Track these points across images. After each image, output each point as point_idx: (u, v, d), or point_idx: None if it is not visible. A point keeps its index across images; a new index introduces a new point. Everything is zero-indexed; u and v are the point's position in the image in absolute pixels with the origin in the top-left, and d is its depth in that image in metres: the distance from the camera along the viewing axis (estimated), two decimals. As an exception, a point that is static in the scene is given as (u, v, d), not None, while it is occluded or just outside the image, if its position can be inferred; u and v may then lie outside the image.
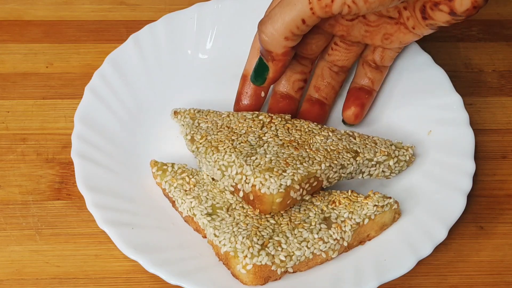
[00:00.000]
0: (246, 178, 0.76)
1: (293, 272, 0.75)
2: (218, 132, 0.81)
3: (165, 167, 0.81)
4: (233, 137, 0.80)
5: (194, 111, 0.84)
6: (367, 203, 0.77)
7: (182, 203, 0.79)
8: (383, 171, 0.81)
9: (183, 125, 0.83)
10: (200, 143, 0.80)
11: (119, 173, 0.81)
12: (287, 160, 0.77)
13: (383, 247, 0.77)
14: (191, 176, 0.80)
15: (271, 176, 0.75)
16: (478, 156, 0.86)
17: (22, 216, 0.81)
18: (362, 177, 0.81)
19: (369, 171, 0.81)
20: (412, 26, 0.80)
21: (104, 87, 0.86)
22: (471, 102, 0.92)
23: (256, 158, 0.77)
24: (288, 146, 0.79)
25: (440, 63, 0.92)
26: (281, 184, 0.75)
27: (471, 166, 0.81)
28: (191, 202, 0.78)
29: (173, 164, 0.81)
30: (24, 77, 0.92)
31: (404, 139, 0.85)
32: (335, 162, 0.78)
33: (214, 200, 0.78)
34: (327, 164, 0.77)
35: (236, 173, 0.76)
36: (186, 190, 0.79)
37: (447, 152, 0.83)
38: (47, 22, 0.97)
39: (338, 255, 0.76)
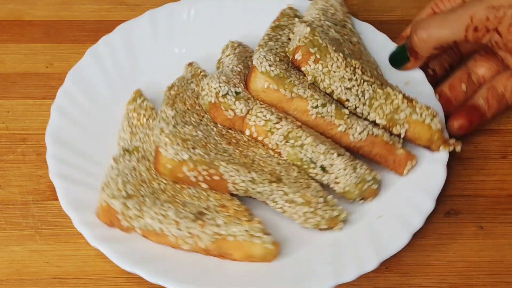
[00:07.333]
0: (161, 134, 0.78)
1: (143, 236, 0.76)
2: (186, 101, 0.83)
3: (139, 98, 0.85)
4: (192, 109, 0.82)
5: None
6: (242, 223, 0.76)
7: (124, 131, 0.83)
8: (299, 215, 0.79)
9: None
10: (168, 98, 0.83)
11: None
12: (208, 144, 0.78)
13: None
14: (147, 116, 0.84)
15: (178, 145, 0.77)
16: (478, 156, 0.87)
17: (22, 216, 0.81)
18: (275, 207, 0.79)
19: (284, 205, 0.78)
20: None
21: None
22: (471, 102, 0.92)
23: (187, 128, 0.79)
24: (225, 138, 0.81)
25: (440, 63, 0.93)
26: (177, 154, 0.76)
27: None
28: (127, 137, 0.83)
29: (145, 99, 0.85)
30: (24, 77, 0.92)
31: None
32: (248, 173, 0.77)
33: (143, 145, 0.82)
34: (235, 168, 0.77)
35: (161, 131, 0.78)
36: (132, 124, 0.83)
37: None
38: (47, 22, 0.97)
39: (190, 249, 0.76)
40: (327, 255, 0.77)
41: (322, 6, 0.91)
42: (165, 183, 0.78)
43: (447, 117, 0.86)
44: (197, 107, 0.83)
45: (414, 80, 0.88)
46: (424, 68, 0.89)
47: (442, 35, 0.83)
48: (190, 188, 0.78)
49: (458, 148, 0.83)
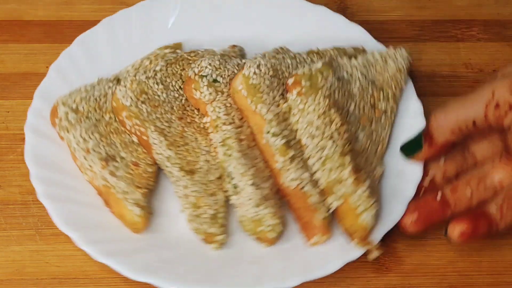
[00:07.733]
0: (131, 76, 0.83)
1: (68, 146, 0.80)
2: (186, 68, 0.85)
3: (171, 49, 0.87)
4: (182, 77, 0.84)
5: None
6: None
7: (133, 65, 0.86)
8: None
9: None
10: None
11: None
12: (159, 107, 0.82)
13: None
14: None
15: (132, 93, 0.81)
16: (478, 156, 0.86)
17: (22, 216, 0.81)
18: (176, 193, 0.80)
19: (181, 196, 0.80)
20: None
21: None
22: (471, 102, 0.91)
23: (157, 86, 0.82)
24: (183, 113, 0.82)
25: (440, 63, 0.92)
26: (123, 97, 0.81)
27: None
28: (131, 71, 0.86)
29: (174, 53, 0.87)
30: (24, 77, 0.92)
31: None
32: (167, 149, 0.80)
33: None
34: (160, 139, 0.80)
35: (134, 74, 0.83)
36: (144, 63, 0.86)
37: None
38: (47, 22, 0.97)
39: (89, 182, 0.80)
40: (187, 261, 0.77)
41: (373, 60, 0.85)
42: (114, 120, 0.82)
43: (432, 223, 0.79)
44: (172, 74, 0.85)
45: (407, 175, 0.81)
46: (423, 175, 0.80)
47: (461, 114, 0.76)
48: (128, 136, 0.81)
49: (372, 256, 0.77)
